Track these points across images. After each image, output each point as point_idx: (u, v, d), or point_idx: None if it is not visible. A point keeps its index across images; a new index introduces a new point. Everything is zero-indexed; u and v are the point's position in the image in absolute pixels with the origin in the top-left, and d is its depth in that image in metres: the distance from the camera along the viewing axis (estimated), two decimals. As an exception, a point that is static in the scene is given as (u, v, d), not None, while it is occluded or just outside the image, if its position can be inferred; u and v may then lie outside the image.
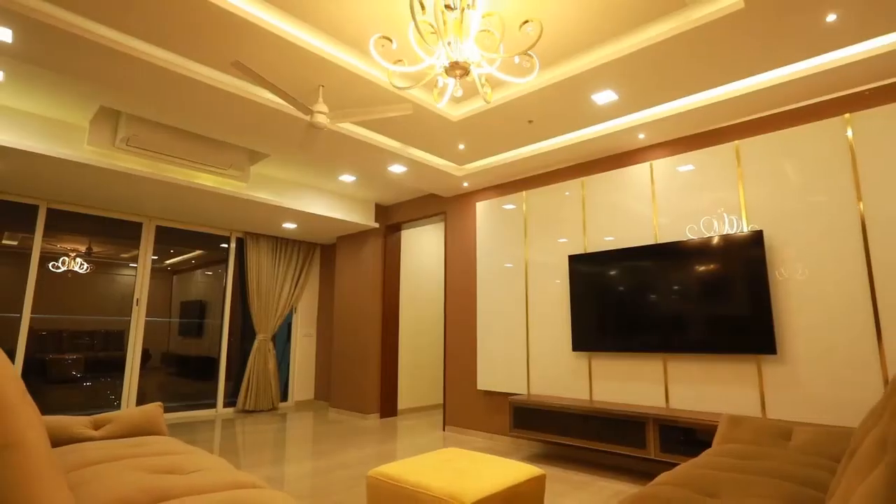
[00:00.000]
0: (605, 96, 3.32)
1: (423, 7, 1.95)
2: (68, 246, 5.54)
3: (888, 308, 2.87)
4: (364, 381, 6.15)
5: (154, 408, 2.68)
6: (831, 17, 2.43)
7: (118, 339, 5.73)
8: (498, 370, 4.82)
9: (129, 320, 5.73)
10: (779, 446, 2.31)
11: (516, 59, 2.19)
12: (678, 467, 2.00)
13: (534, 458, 4.12)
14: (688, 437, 3.28)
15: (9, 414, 0.89)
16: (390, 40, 2.05)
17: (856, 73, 2.92)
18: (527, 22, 1.95)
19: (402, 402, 6.49)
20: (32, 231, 5.12)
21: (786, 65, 2.90)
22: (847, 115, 3.13)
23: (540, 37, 2.01)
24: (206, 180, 4.74)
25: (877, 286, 2.92)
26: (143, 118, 3.97)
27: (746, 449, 2.26)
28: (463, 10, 2.06)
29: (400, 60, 2.24)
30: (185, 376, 6.39)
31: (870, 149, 3.03)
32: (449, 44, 2.13)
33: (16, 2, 2.40)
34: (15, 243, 5.12)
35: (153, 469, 1.82)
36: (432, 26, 2.13)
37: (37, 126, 3.84)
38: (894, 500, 0.73)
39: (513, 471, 1.98)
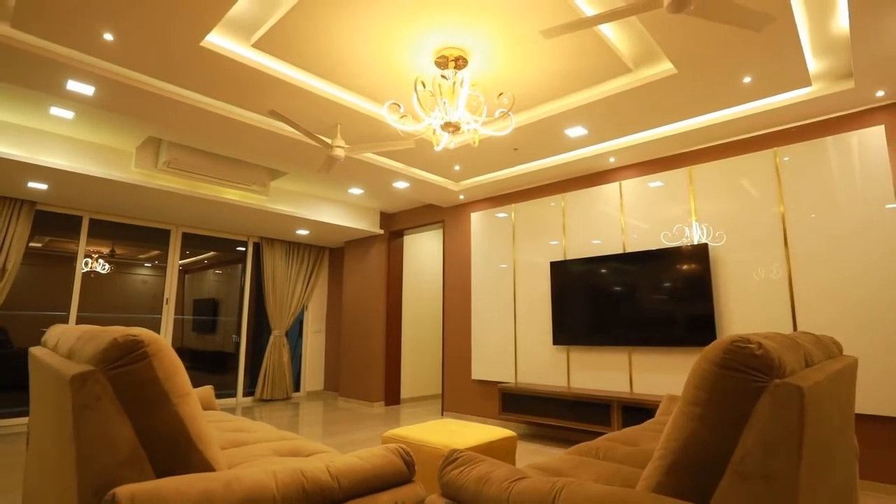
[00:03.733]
0: (576, 131, 3.96)
1: (423, 84, 2.58)
2: (92, 248, 6.13)
3: (802, 306, 3.52)
4: (370, 372, 6.82)
5: (208, 389, 3.34)
6: (747, 80, 3.07)
7: (135, 336, 6.32)
8: (490, 362, 5.48)
9: (149, 318, 6.37)
10: (700, 417, 2.96)
11: (497, 115, 2.83)
12: (620, 431, 2.65)
13: (518, 437, 4.79)
14: (645, 415, 3.93)
15: (184, 375, 1.53)
16: (399, 106, 2.68)
17: (780, 116, 3.56)
18: (502, 94, 2.59)
19: (405, 391, 7.16)
20: (70, 237, 5.73)
21: (718, 111, 3.55)
22: (775, 149, 3.77)
23: (513, 104, 2.65)
24: (232, 195, 5.38)
25: (794, 288, 3.57)
26: (182, 144, 4.61)
27: (675, 419, 2.92)
28: (455, 83, 2.70)
29: (405, 116, 2.88)
30: (199, 370, 7.00)
31: (792, 175, 3.67)
32: (444, 105, 2.77)
33: (100, 67, 3.03)
34: (41, 245, 5.74)
35: (226, 429, 2.48)
36: (431, 93, 2.77)
37: (93, 152, 4.48)
38: (673, 423, 1.38)
39: (491, 432, 2.63)
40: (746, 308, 3.78)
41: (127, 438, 1.34)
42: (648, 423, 2.83)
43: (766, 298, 3.70)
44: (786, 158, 3.72)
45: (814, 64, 3.02)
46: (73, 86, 3.14)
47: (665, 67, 3.04)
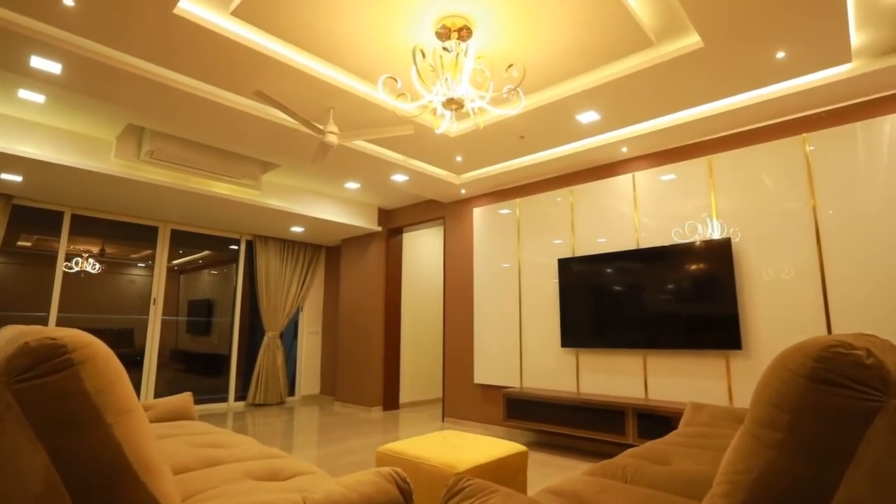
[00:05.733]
0: (588, 116, 3.66)
1: (423, 54, 2.29)
2: (81, 247, 5.85)
3: (837, 307, 3.22)
4: (367, 376, 6.51)
5: (186, 397, 3.04)
6: (780, 55, 2.78)
7: (128, 337, 6.06)
8: (493, 365, 5.18)
9: (140, 318, 6.07)
10: (731, 428, 2.67)
11: (504, 94, 2.54)
12: (642, 445, 2.35)
13: (524, 445, 4.48)
14: (662, 424, 3.63)
15: (127, 387, 1.24)
16: (396, 80, 2.39)
17: (811, 98, 3.27)
18: (511, 66, 2.30)
19: (404, 395, 6.86)
20: (51, 234, 5.44)
21: (746, 91, 3.25)
22: (804, 135, 3.48)
23: (523, 78, 2.36)
24: (221, 189, 5.09)
25: (828, 286, 3.27)
26: (166, 133, 4.32)
27: (703, 430, 2.62)
28: (458, 54, 2.41)
29: (403, 94, 2.59)
30: (193, 372, 6.71)
31: (824, 164, 3.38)
32: (446, 80, 2.48)
33: (67, 41, 2.74)
34: (29, 244, 5.45)
35: (199, 444, 2.18)
36: (432, 66, 2.48)
37: (69, 141, 4.19)
38: (741, 448, 1.09)
39: (499, 447, 2.33)
40: (774, 307, 3.48)
41: (39, 470, 1.04)
42: (673, 437, 2.53)
43: (795, 297, 3.40)
44: (811, 148, 3.42)
45: (854, 37, 2.73)
46: (38, 62, 2.85)
47: (691, 41, 2.75)
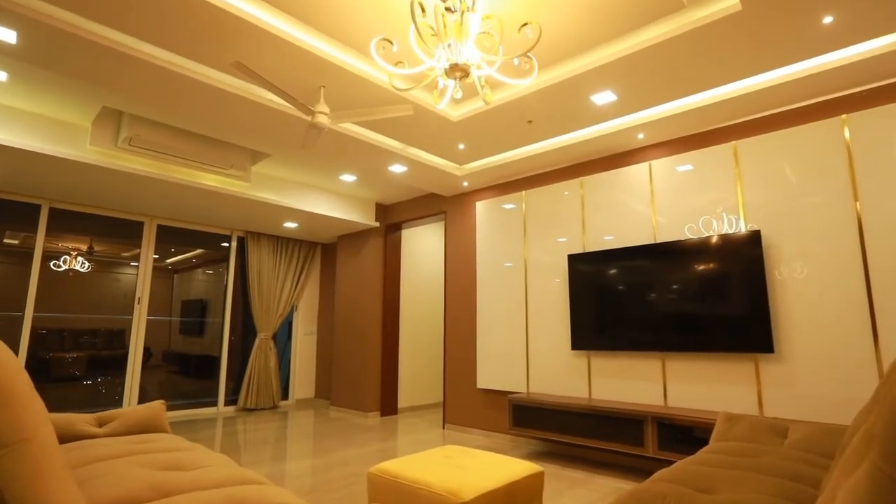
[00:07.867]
0: (604, 97, 3.34)
1: (423, 10, 1.97)
2: (69, 245, 5.56)
3: (884, 307, 2.89)
4: (365, 379, 6.19)
5: (157, 405, 2.71)
6: (828, 20, 2.46)
7: (119, 338, 5.75)
8: (497, 369, 4.85)
9: (131, 318, 5.76)
10: (774, 444, 2.34)
11: (516, 61, 2.21)
12: (675, 464, 2.03)
13: (532, 456, 4.16)
14: (685, 435, 3.31)
15: (23, 410, 0.91)
16: (391, 43, 2.07)
17: (852, 74, 2.95)
18: (526, 24, 1.98)
19: (403, 400, 6.53)
20: (34, 230, 5.14)
21: (783, 66, 2.93)
22: (844, 116, 3.15)
23: (539, 39, 2.04)
24: (207, 180, 4.77)
25: (873, 285, 2.95)
26: (145, 118, 4.00)
27: (742, 446, 2.29)
28: (463, 12, 2.09)
29: (400, 62, 2.26)
30: (186, 374, 6.41)
31: (866, 149, 3.05)
32: (449, 46, 2.15)
33: (20, 4, 2.42)
34: (16, 242, 5.14)
35: (158, 465, 1.85)
36: (432, 28, 2.16)
37: (39, 126, 3.87)
38: (876, 495, 0.76)
39: (511, 468, 2.01)
40: (810, 307, 3.16)
41: None
42: (708, 454, 2.21)
43: (834, 296, 3.07)
44: (851, 131, 3.10)
45: (913, -1, 2.41)
46: (-11, 29, 2.53)
47: (726, 3, 2.43)
